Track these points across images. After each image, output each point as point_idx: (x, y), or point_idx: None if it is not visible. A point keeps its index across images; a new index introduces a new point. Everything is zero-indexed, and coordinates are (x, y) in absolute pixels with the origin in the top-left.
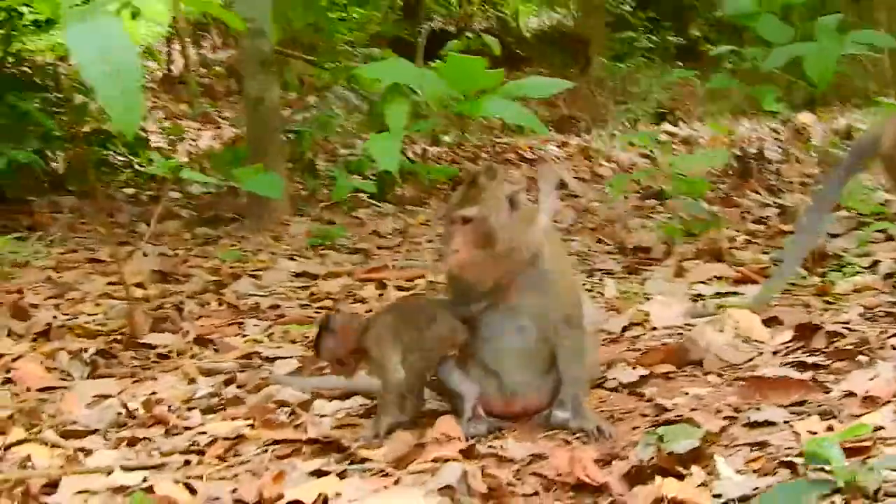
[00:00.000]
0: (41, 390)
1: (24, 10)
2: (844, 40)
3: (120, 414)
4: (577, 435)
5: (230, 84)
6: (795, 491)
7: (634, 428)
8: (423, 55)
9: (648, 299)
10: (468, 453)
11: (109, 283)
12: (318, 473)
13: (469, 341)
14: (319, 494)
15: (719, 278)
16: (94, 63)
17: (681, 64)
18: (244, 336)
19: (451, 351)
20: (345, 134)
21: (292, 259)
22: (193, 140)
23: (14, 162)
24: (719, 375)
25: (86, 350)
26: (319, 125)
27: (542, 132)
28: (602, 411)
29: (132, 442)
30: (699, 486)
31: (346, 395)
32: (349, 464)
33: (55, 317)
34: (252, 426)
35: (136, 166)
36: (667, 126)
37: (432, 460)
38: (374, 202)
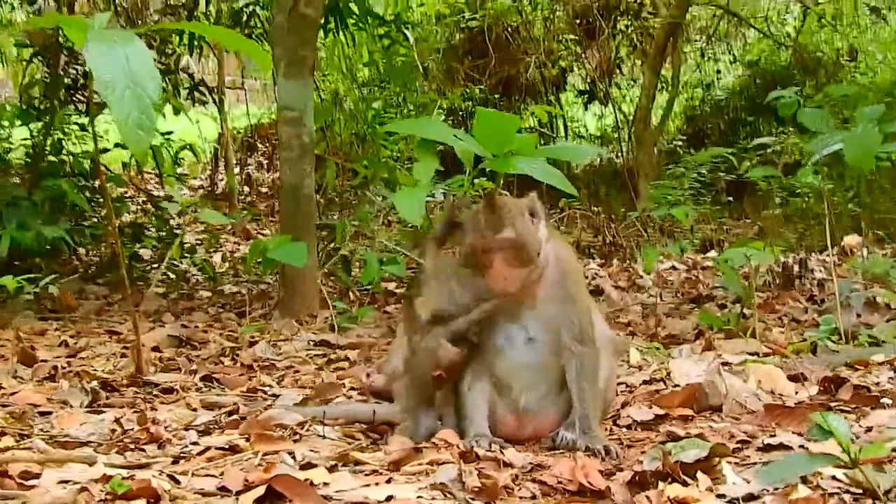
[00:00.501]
0: (40, 414)
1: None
2: (885, 128)
3: (114, 431)
4: (585, 453)
5: (273, 204)
6: (796, 463)
7: (644, 452)
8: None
9: (671, 357)
10: (466, 457)
11: (125, 347)
12: (309, 466)
13: (479, 354)
14: (306, 479)
15: (751, 354)
16: (112, 81)
17: (731, 199)
18: (252, 378)
19: (437, 370)
20: (381, 233)
21: (314, 333)
22: (231, 252)
23: (42, 238)
24: (737, 420)
25: (88, 382)
26: (355, 219)
27: (572, 192)
28: (612, 438)
29: (122, 449)
30: (705, 489)
31: (348, 423)
32: (342, 465)
33: (62, 366)
34: (247, 439)
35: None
36: (712, 254)
37: (428, 463)
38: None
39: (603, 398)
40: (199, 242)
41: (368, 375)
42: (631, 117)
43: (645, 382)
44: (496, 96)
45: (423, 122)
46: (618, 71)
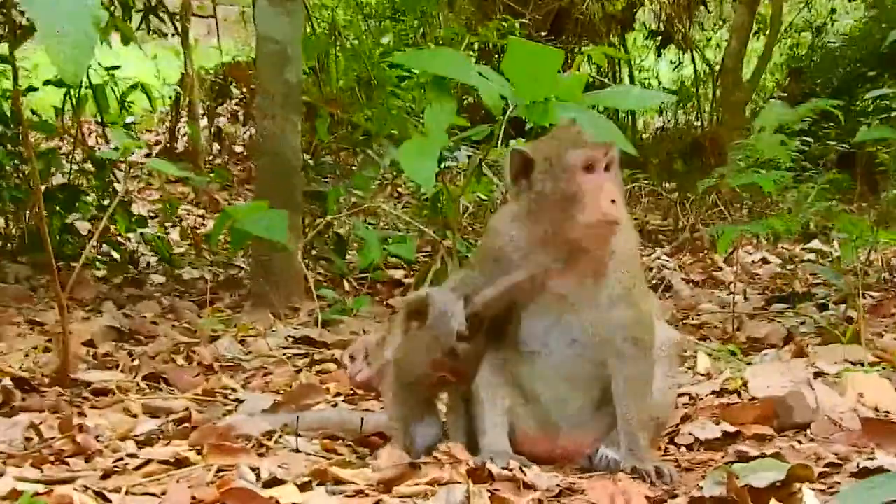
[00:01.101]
0: None
1: None
2: None
3: (30, 439)
4: (630, 475)
5: (250, 168)
6: (885, 485)
7: (705, 476)
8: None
9: (750, 365)
10: (477, 476)
11: (49, 340)
12: (275, 483)
13: (499, 349)
14: (270, 498)
15: (853, 364)
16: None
17: (843, 175)
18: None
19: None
20: (387, 206)
21: (294, 328)
22: (193, 227)
23: None
24: (828, 443)
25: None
26: (352, 187)
27: (631, 151)
28: (666, 459)
29: (40, 461)
30: None
31: (329, 435)
32: (318, 483)
33: None
34: (199, 451)
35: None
36: (816, 244)
37: (428, 483)
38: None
39: (657, 414)
40: (152, 215)
41: (352, 358)
42: (717, 67)
43: (714, 393)
44: (543, 34)
45: (439, 53)
46: (702, 6)
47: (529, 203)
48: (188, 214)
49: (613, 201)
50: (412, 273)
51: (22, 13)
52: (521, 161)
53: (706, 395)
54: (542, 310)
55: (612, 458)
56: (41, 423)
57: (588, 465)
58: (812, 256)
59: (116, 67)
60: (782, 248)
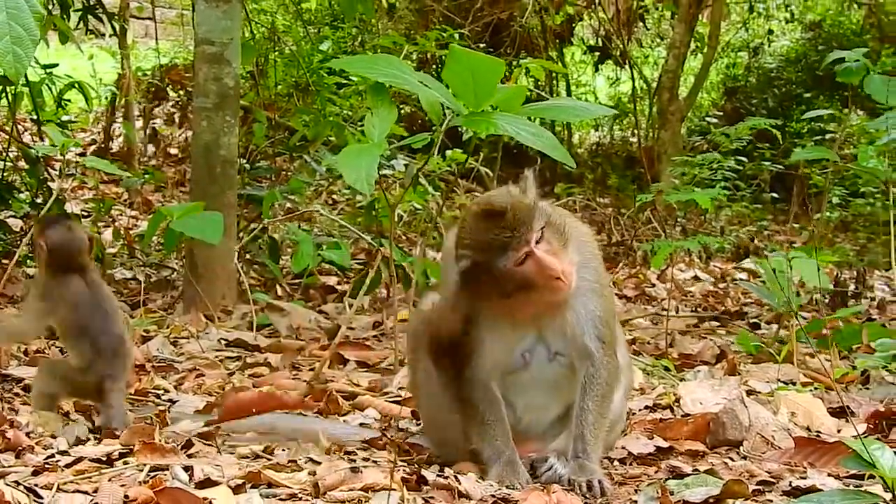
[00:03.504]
0: None
1: None
2: None
3: None
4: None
5: (185, 171)
6: (825, 501)
7: (639, 490)
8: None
9: (683, 381)
10: (413, 483)
11: None
12: (208, 484)
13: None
14: (205, 499)
15: (785, 383)
16: None
17: (776, 195)
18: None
19: None
20: (322, 211)
21: (227, 331)
22: (126, 228)
23: None
24: (760, 458)
25: None
26: (287, 191)
27: (569, 163)
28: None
29: None
30: None
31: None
32: (251, 486)
33: None
34: (131, 450)
35: None
36: (748, 264)
37: (362, 488)
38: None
39: (610, 428)
40: (85, 214)
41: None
42: (654, 84)
43: (647, 408)
44: (481, 45)
45: (379, 60)
46: (640, 23)
47: (485, 287)
48: (121, 215)
49: (553, 270)
50: (346, 280)
51: None
52: (470, 272)
53: (639, 410)
54: (518, 333)
55: (557, 472)
56: None
57: (531, 471)
58: (744, 276)
59: (54, 65)
60: (714, 266)
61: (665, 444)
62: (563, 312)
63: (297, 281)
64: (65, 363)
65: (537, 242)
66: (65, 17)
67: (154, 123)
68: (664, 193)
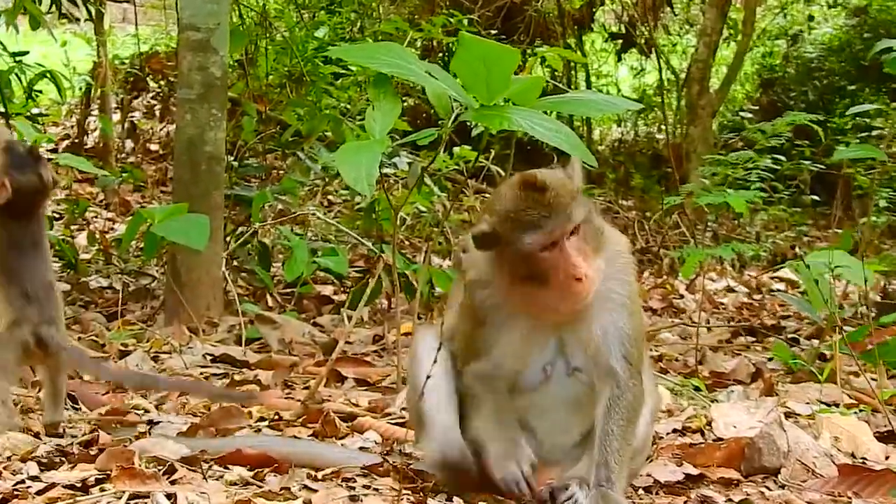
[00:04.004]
0: None
1: None
2: None
3: None
4: None
5: (166, 168)
6: None
7: None
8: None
9: (715, 402)
10: None
11: None
12: None
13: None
14: None
15: (828, 404)
16: None
17: (816, 197)
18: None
19: None
20: (317, 214)
21: (213, 345)
22: (102, 231)
23: None
24: (800, 487)
25: None
26: (279, 192)
27: (591, 162)
28: None
29: None
30: None
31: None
32: None
33: None
34: (108, 476)
35: None
36: (785, 273)
37: None
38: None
39: (635, 454)
40: (57, 216)
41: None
42: (683, 75)
43: (675, 432)
44: (492, 32)
45: (382, 48)
46: (667, 8)
47: (500, 268)
48: (96, 217)
49: (577, 269)
50: (343, 289)
51: None
52: (486, 239)
53: (667, 434)
54: (537, 344)
55: (576, 499)
56: None
57: (549, 499)
58: (781, 286)
59: (24, 53)
60: (748, 275)
61: (695, 472)
62: (588, 325)
63: (289, 290)
64: None
65: (571, 234)
66: (35, 0)
67: (133, 117)
68: (694, 195)
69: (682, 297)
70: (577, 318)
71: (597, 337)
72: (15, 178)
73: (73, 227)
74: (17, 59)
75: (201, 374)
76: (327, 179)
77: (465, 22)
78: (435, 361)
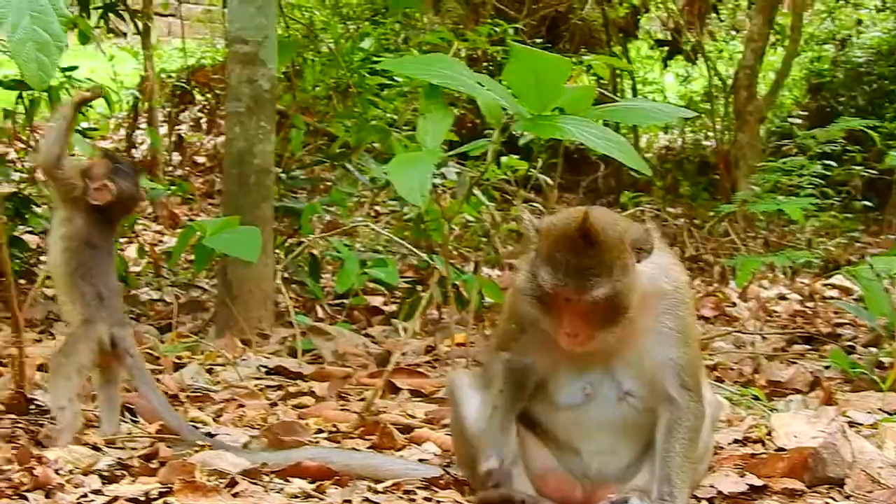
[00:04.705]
0: None
1: None
2: None
3: None
4: None
5: (214, 181)
6: None
7: None
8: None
9: (774, 412)
10: None
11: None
12: None
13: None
14: None
15: (890, 414)
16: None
17: (868, 203)
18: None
19: None
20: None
21: (266, 357)
22: (151, 244)
23: None
24: (867, 498)
25: None
26: (328, 203)
27: (644, 171)
28: None
29: None
30: None
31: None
32: None
33: None
34: (170, 489)
35: None
36: (839, 280)
37: None
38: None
39: (695, 471)
40: None
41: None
42: (730, 82)
43: (736, 442)
44: (537, 41)
45: (434, 60)
46: (713, 14)
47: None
48: (145, 230)
49: (569, 330)
50: (392, 300)
51: None
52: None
53: (728, 445)
54: (586, 368)
55: None
56: None
57: None
58: (835, 293)
59: (74, 68)
60: (800, 282)
61: (759, 483)
62: (639, 355)
63: (338, 301)
64: (71, 333)
65: (586, 295)
66: (84, 15)
67: (180, 130)
68: (750, 203)
69: (734, 304)
70: (624, 347)
71: (649, 368)
72: (117, 184)
73: (122, 241)
74: (67, 74)
75: (256, 385)
76: (375, 190)
77: (511, 31)
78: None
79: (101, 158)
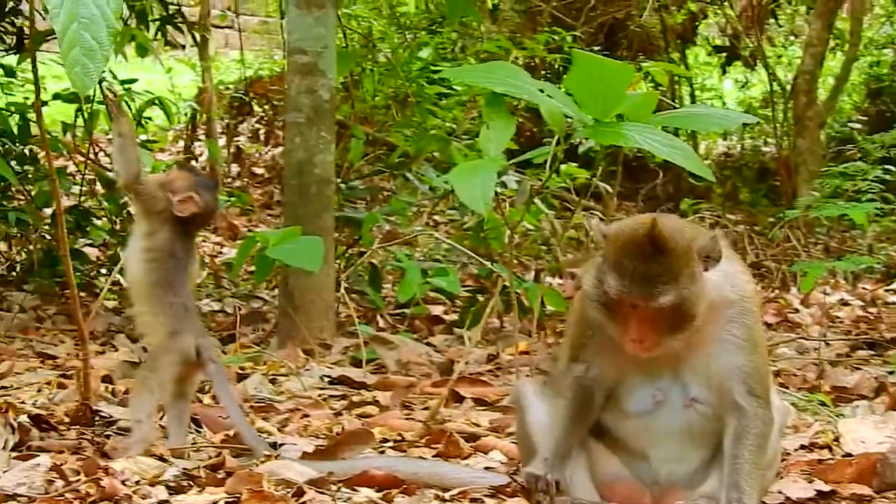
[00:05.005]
0: None
1: None
2: None
3: (52, 482)
4: None
5: (272, 192)
6: None
7: None
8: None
9: (841, 417)
10: None
11: (63, 375)
12: None
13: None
14: None
15: None
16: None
17: None
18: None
19: None
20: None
21: (329, 367)
22: (210, 255)
23: None
24: None
25: (15, 417)
26: (388, 213)
27: (708, 177)
28: None
29: None
30: None
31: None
32: None
33: None
34: (237, 499)
35: None
36: None
37: None
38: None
39: (763, 477)
40: None
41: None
42: (789, 87)
43: (803, 448)
44: (596, 48)
45: (495, 68)
46: (772, 20)
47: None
48: (204, 241)
49: (635, 336)
50: (454, 309)
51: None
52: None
53: (795, 450)
54: (653, 374)
55: None
56: (63, 464)
57: None
58: None
59: (133, 81)
60: (862, 288)
61: (826, 488)
62: (706, 363)
63: (399, 311)
64: (156, 346)
65: (652, 301)
66: (142, 27)
67: (238, 141)
68: (814, 208)
69: (796, 311)
70: (691, 354)
71: (717, 375)
72: (201, 195)
73: None
74: (126, 86)
75: (320, 395)
76: (435, 200)
77: (569, 39)
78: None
79: (181, 171)
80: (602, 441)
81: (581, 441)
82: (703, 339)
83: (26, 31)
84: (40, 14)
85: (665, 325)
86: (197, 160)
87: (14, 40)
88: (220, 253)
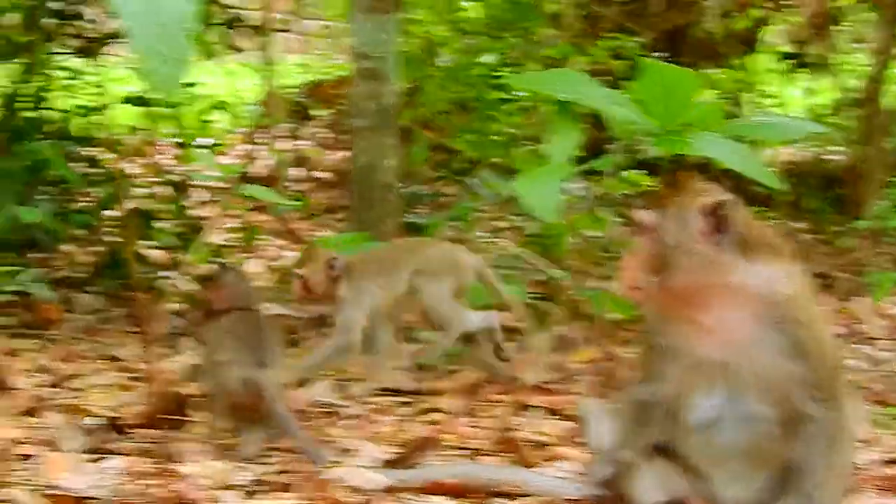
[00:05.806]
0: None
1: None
2: None
3: (123, 485)
4: None
5: (337, 197)
6: None
7: None
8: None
9: None
10: None
11: (131, 378)
12: None
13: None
14: None
15: None
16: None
17: None
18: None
19: None
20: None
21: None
22: (272, 259)
23: (16, 222)
24: None
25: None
26: (451, 218)
27: (775, 185)
28: None
29: None
30: None
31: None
32: None
33: (46, 397)
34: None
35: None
36: None
37: None
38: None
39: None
40: (229, 245)
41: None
42: (856, 95)
43: (878, 462)
44: (658, 54)
45: (562, 75)
46: (837, 26)
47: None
48: (266, 245)
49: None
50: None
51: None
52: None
53: (868, 464)
54: (708, 384)
55: None
56: (133, 467)
57: None
58: None
59: (193, 84)
60: None
61: None
62: (762, 371)
63: None
64: None
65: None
66: (205, 31)
67: (300, 145)
68: (884, 217)
69: (859, 321)
70: (742, 359)
71: (774, 384)
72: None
73: (244, 257)
74: (191, 90)
75: (385, 401)
76: (497, 206)
77: (633, 44)
78: None
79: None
80: (665, 459)
81: (647, 457)
82: (746, 340)
83: (87, 34)
84: (104, 17)
85: (646, 261)
86: (256, 164)
87: (84, 43)
88: (281, 256)
